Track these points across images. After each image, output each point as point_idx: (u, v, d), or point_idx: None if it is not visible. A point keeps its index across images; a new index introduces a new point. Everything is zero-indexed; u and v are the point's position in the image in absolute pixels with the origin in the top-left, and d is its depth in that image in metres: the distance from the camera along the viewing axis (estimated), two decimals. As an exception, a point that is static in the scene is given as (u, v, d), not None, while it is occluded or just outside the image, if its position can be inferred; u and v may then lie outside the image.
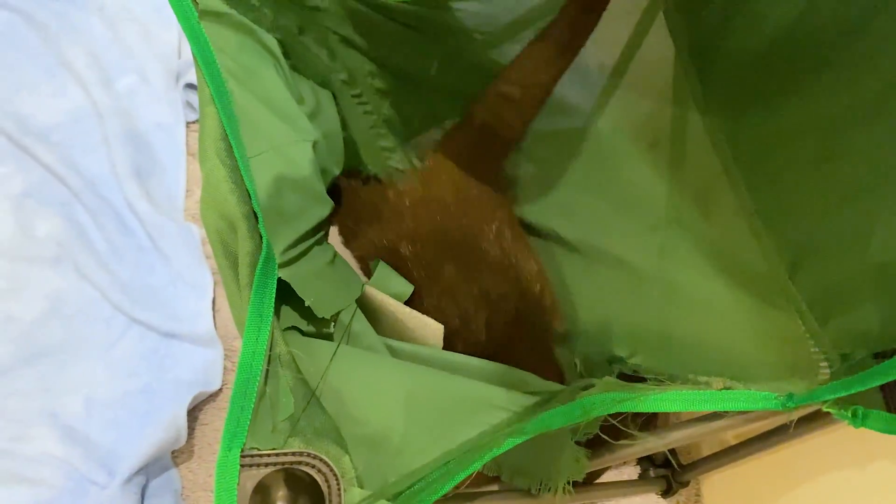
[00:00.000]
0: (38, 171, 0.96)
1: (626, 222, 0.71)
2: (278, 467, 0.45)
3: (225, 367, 0.90)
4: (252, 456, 0.45)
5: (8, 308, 0.88)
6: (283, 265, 0.52)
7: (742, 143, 0.67)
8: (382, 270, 0.67)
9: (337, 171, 0.66)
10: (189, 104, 1.04)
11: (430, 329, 0.63)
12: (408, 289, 0.66)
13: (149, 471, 0.83)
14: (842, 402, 0.53)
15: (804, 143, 0.60)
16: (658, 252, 0.68)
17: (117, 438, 0.84)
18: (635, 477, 0.94)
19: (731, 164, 0.66)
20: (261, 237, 0.51)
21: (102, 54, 1.02)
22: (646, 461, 0.94)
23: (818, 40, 0.58)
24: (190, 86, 1.03)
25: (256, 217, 0.51)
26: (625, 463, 0.95)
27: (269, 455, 0.45)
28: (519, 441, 0.49)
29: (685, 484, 0.92)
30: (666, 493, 0.92)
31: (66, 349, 0.87)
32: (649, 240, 0.68)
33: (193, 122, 1.04)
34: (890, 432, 0.52)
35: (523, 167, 0.76)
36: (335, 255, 0.61)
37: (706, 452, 0.91)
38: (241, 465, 0.45)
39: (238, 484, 0.44)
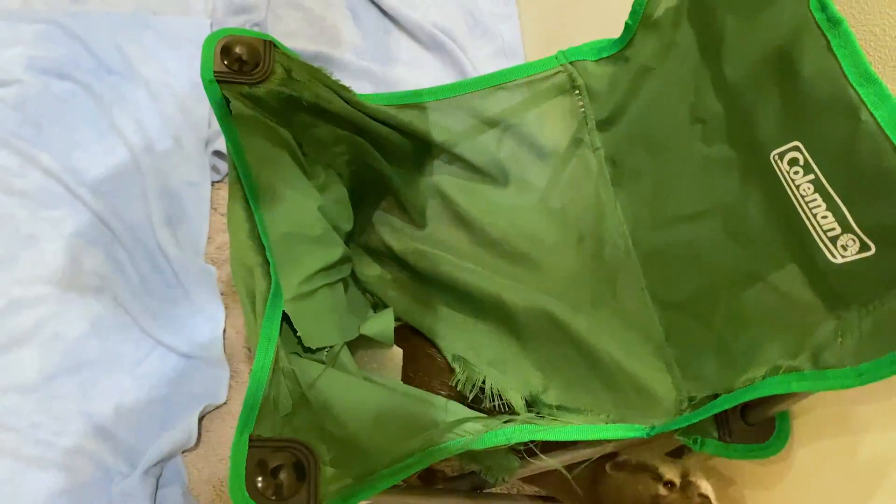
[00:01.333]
0: (88, 216, 1.17)
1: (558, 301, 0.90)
2: (275, 448, 0.65)
3: (230, 385, 1.10)
4: (257, 440, 0.65)
5: (56, 327, 1.08)
6: (291, 300, 0.72)
7: (639, 229, 0.87)
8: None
9: (348, 227, 0.87)
10: (215, 167, 1.25)
11: (394, 352, 0.84)
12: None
13: (163, 465, 1.02)
14: (687, 432, 0.74)
15: (677, 229, 0.81)
16: (579, 325, 0.87)
17: (139, 438, 1.03)
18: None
19: (631, 249, 0.87)
20: (271, 279, 0.72)
21: (146, 121, 1.24)
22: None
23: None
24: (216, 152, 1.25)
25: (269, 264, 0.72)
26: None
27: (269, 440, 0.65)
28: (457, 452, 0.69)
29: None
30: None
31: (101, 363, 1.06)
32: (573, 318, 0.87)
33: (217, 182, 1.25)
34: (721, 455, 0.72)
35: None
36: (344, 302, 0.82)
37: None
38: (250, 447, 0.64)
39: (246, 459, 0.64)
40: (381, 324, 0.82)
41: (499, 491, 0.99)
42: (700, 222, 0.78)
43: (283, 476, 0.64)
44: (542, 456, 0.79)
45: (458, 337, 0.91)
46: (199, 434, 1.06)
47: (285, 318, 0.73)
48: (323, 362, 0.75)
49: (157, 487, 1.01)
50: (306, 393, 0.69)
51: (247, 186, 0.78)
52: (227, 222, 0.80)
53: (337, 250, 0.83)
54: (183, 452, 1.05)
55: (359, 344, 0.81)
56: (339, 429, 0.68)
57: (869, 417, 0.67)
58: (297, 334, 0.72)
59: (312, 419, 0.68)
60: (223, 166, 1.26)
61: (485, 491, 0.89)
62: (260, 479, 0.63)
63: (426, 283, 0.92)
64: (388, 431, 0.70)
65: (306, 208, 0.82)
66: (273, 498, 0.63)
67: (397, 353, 0.83)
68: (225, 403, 1.09)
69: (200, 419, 1.07)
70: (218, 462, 1.05)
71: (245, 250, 0.75)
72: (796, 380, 0.61)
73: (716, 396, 0.72)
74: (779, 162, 0.65)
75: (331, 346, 0.75)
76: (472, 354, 0.89)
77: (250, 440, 0.64)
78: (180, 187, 1.22)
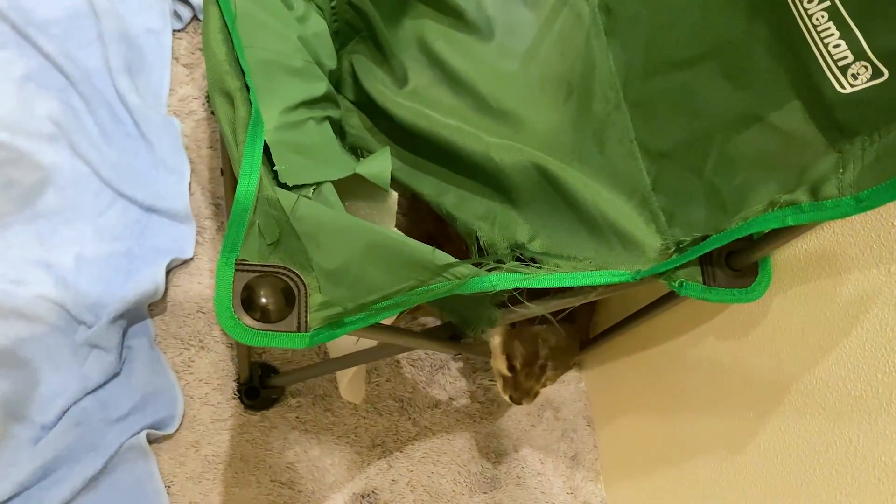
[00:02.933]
0: (38, 59, 1.08)
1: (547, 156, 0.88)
2: (261, 273, 0.63)
3: (197, 242, 1.06)
4: (243, 263, 0.62)
5: (8, 174, 1.02)
6: (274, 129, 0.69)
7: (631, 79, 0.85)
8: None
9: (331, 65, 0.82)
10: (176, 14, 1.17)
11: (388, 196, 0.81)
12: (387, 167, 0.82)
13: (129, 318, 0.99)
14: (672, 277, 0.74)
15: (671, 75, 0.80)
16: (568, 177, 0.85)
17: (103, 291, 0.99)
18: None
19: (622, 101, 0.85)
20: (251, 105, 0.68)
21: (99, -40, 1.14)
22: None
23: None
24: (177, -2, 1.17)
25: (249, 90, 0.68)
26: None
27: (255, 265, 0.63)
28: (444, 295, 0.68)
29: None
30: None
31: (59, 213, 1.01)
32: (563, 171, 0.85)
33: (179, 31, 1.17)
34: (702, 298, 0.73)
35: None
36: (334, 140, 0.78)
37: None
38: (235, 270, 0.62)
39: (232, 282, 0.61)
40: (379, 164, 0.79)
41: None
42: (696, 66, 0.76)
43: (270, 301, 0.62)
44: (526, 303, 0.79)
45: (445, 192, 0.88)
46: (165, 290, 1.03)
47: (267, 151, 0.69)
48: (309, 198, 0.72)
49: (123, 339, 0.98)
50: (292, 222, 0.67)
51: (224, 8, 0.72)
52: (203, 46, 0.74)
53: (320, 85, 0.78)
54: (148, 308, 1.02)
55: (349, 188, 0.78)
56: (327, 260, 0.66)
57: (851, 259, 0.68)
58: (274, 168, 0.69)
59: (299, 248, 0.66)
60: (184, 13, 1.17)
61: (463, 341, 0.90)
62: (247, 302, 0.61)
63: (412, 138, 0.89)
64: (378, 267, 0.68)
65: (286, 37, 0.77)
66: (261, 320, 0.61)
67: (392, 196, 0.81)
68: (192, 259, 1.05)
69: (167, 273, 1.03)
70: (185, 317, 1.03)
71: (223, 74, 0.70)
72: (793, 213, 0.62)
73: (704, 239, 0.72)
74: (792, -8, 0.63)
75: (317, 184, 0.72)
76: (462, 210, 0.87)
77: (236, 263, 0.62)
78: (139, 34, 1.14)
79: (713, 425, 0.89)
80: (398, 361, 1.09)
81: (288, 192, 0.69)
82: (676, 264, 0.72)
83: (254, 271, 0.63)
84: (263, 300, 0.62)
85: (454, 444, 1.06)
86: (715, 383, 0.88)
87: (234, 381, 1.02)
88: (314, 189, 0.73)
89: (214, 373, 1.01)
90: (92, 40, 1.11)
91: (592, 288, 0.78)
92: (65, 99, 1.08)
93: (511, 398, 0.95)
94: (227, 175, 0.94)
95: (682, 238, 0.75)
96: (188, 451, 0.97)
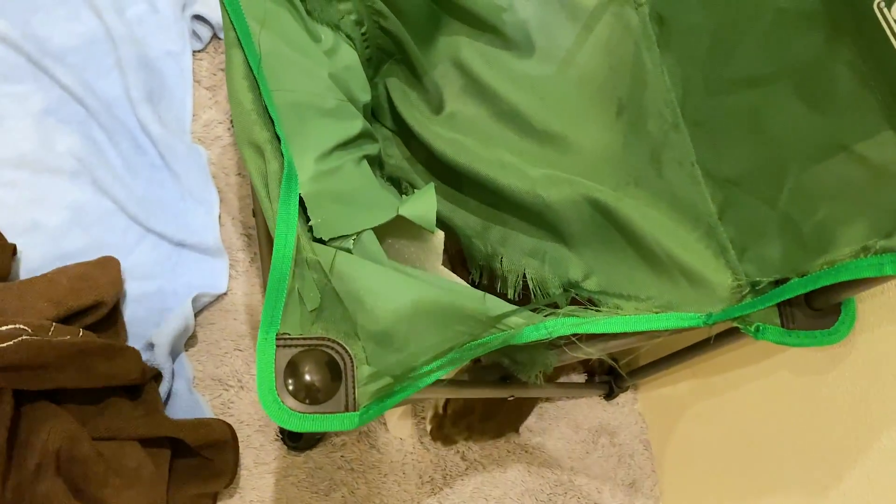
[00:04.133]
0: (57, 91, 1.04)
1: (599, 185, 0.81)
2: (305, 348, 0.58)
3: (230, 276, 1.02)
4: (285, 338, 0.57)
5: (33, 216, 0.98)
6: (310, 180, 0.63)
7: (690, 96, 0.78)
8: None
9: (366, 98, 0.77)
10: (195, 34, 1.12)
11: (434, 237, 0.76)
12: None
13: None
14: (748, 320, 0.68)
15: (738, 95, 0.73)
16: (624, 208, 0.79)
17: (138, 332, 0.96)
18: (583, 381, 1.09)
19: (679, 119, 0.78)
20: (283, 157, 0.62)
21: (113, -19, 1.09)
22: (591, 369, 1.09)
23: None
24: (196, 17, 1.11)
25: (280, 140, 0.63)
26: (574, 370, 1.11)
27: (298, 339, 0.58)
28: (498, 347, 0.63)
29: (625, 388, 1.08)
30: (608, 396, 1.08)
31: (87, 254, 0.97)
32: (617, 201, 0.78)
33: (199, 52, 1.12)
34: (781, 343, 0.67)
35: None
36: (375, 181, 0.72)
37: (643, 363, 1.07)
38: (277, 346, 0.57)
39: (274, 360, 0.57)
40: (423, 204, 0.73)
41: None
42: (767, 86, 0.69)
43: (316, 378, 0.57)
44: (583, 347, 0.73)
45: (489, 229, 0.83)
46: (201, 328, 0.99)
47: (302, 205, 0.64)
48: (349, 251, 0.67)
49: (173, 378, 0.95)
50: (334, 284, 0.61)
51: (247, 51, 0.66)
52: (228, 93, 0.69)
53: (356, 123, 0.72)
54: (185, 348, 0.98)
55: (391, 227, 0.73)
56: (372, 323, 0.61)
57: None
58: (310, 223, 0.64)
59: (343, 314, 0.61)
60: (203, 33, 1.12)
61: (514, 381, 0.85)
62: (291, 381, 0.56)
63: (452, 171, 0.83)
64: (428, 325, 0.63)
65: (315, 75, 0.72)
66: (307, 402, 0.56)
67: (438, 236, 0.75)
68: (226, 294, 1.01)
69: (200, 312, 0.99)
70: (222, 356, 0.98)
71: (251, 125, 0.65)
72: (892, 262, 0.55)
73: (783, 281, 0.66)
74: (885, 10, 0.55)
75: (358, 234, 0.67)
76: (509, 247, 0.81)
77: (277, 338, 0.57)
78: (158, 58, 1.09)
79: (788, 463, 0.83)
80: (444, 391, 1.05)
81: (326, 247, 0.64)
82: (754, 309, 0.66)
83: (297, 346, 0.58)
84: (308, 378, 0.57)
85: (506, 478, 1.02)
86: (789, 419, 0.82)
87: (276, 421, 0.97)
88: (354, 239, 0.68)
89: (255, 413, 0.97)
90: (110, 68, 1.06)
91: (657, 332, 0.72)
92: (86, 132, 1.03)
93: (430, 432, 1.00)
94: (260, 223, 0.89)
95: (757, 278, 0.69)
96: (233, 498, 0.93)
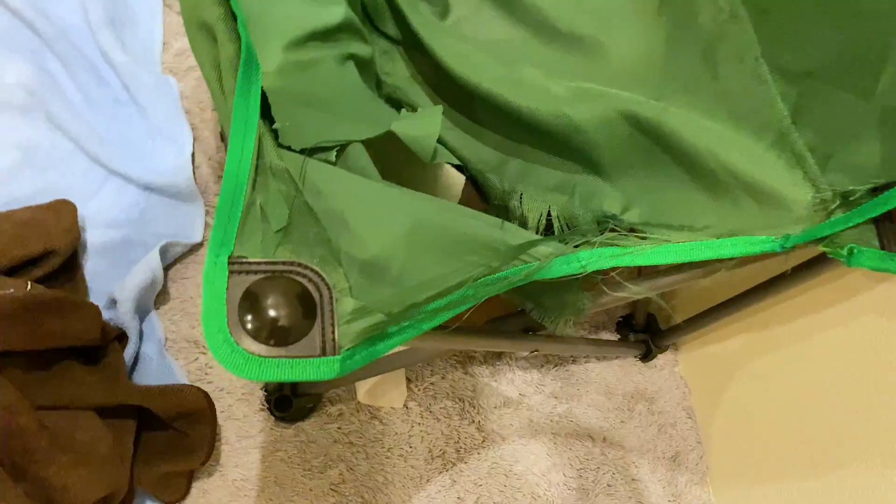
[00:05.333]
0: (6, 17, 0.91)
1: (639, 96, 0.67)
2: (267, 274, 0.44)
3: (206, 223, 0.89)
4: (240, 262, 0.44)
5: (-22, 156, 0.85)
6: (275, 72, 0.49)
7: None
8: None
9: None
10: (164, -50, 0.98)
11: (451, 178, 0.62)
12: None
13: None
14: (837, 242, 0.53)
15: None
16: (670, 120, 0.65)
17: (98, 288, 0.83)
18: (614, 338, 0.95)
19: (738, 7, 0.64)
20: (240, 39, 0.49)
21: None
22: (625, 327, 0.95)
23: None
24: (165, -70, 0.97)
25: (235, 19, 0.49)
26: (604, 328, 0.96)
27: (258, 263, 0.44)
28: (520, 284, 0.49)
29: (664, 348, 0.94)
30: (645, 358, 0.94)
31: (40, 200, 0.84)
32: (661, 113, 0.65)
33: (169, -29, 0.98)
34: (881, 269, 0.52)
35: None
36: (362, 87, 0.58)
37: (683, 317, 0.93)
38: (230, 272, 0.43)
39: (226, 289, 0.43)
40: (424, 124, 0.59)
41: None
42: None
43: (282, 313, 0.43)
44: (627, 284, 0.59)
45: (505, 163, 0.68)
46: (173, 283, 0.86)
47: (267, 104, 0.50)
48: (332, 163, 0.53)
49: (140, 338, 0.82)
50: (307, 199, 0.48)
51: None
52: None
53: (336, 10, 0.58)
54: (155, 305, 0.85)
55: (393, 164, 0.59)
56: (360, 248, 0.47)
57: None
58: (274, 126, 0.50)
59: (318, 234, 0.47)
60: (175, -51, 0.98)
61: (539, 333, 0.71)
62: (249, 317, 0.43)
63: (462, 91, 0.69)
64: (431, 254, 0.49)
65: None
66: (271, 343, 0.43)
67: (457, 179, 0.61)
68: (201, 244, 0.88)
69: (171, 265, 0.86)
70: (198, 315, 0.85)
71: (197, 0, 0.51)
72: None
73: (885, 188, 0.52)
74: None
75: (340, 147, 0.53)
76: (529, 181, 0.67)
77: (230, 263, 0.44)
78: (122, -22, 0.95)
79: (864, 427, 0.69)
80: (454, 352, 0.91)
81: (294, 154, 0.51)
82: (848, 225, 0.52)
83: (256, 271, 0.44)
84: (272, 313, 0.43)
85: (529, 451, 0.88)
86: (873, 374, 0.68)
87: (262, 388, 0.84)
88: (337, 153, 0.54)
89: (237, 380, 0.84)
90: (67, -11, 0.93)
91: (720, 261, 0.57)
92: (38, 62, 0.90)
93: None
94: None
95: (850, 187, 0.54)
96: (212, 476, 0.80)
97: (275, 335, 0.43)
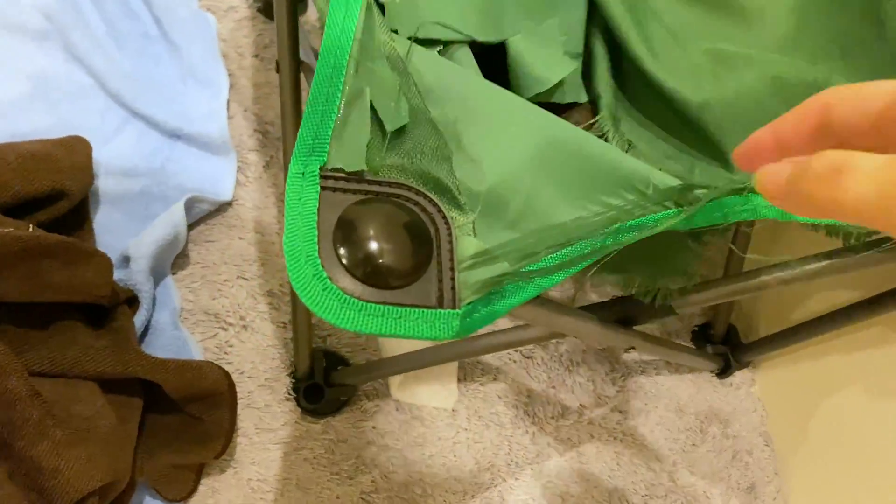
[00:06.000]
0: (26, -70, 0.80)
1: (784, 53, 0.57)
2: (370, 195, 0.33)
3: (238, 181, 0.77)
4: (335, 178, 0.33)
5: (-18, 83, 0.73)
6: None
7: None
8: None
9: None
10: None
11: None
12: None
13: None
14: None
15: None
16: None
17: (107, 243, 0.71)
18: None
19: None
20: None
21: None
22: (702, 338, 0.84)
23: None
24: None
25: None
26: (678, 335, 0.85)
27: (358, 179, 0.33)
28: (671, 227, 0.38)
29: (744, 364, 0.83)
30: (722, 373, 0.83)
31: (50, 136, 0.72)
32: (808, 72, 0.54)
33: None
34: None
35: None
36: None
37: (765, 332, 0.82)
38: (322, 188, 0.32)
39: (317, 211, 0.32)
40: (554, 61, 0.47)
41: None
42: None
43: (388, 247, 0.32)
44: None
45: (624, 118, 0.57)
46: (196, 246, 0.74)
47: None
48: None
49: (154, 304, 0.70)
50: (425, 99, 0.36)
51: None
52: None
53: None
54: (172, 269, 0.73)
55: None
56: (472, 174, 0.36)
57: None
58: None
59: (440, 145, 0.36)
60: None
61: (636, 328, 0.59)
62: (344, 249, 0.32)
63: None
64: (559, 187, 0.39)
65: None
66: (371, 284, 0.31)
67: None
68: (231, 204, 0.76)
69: (195, 225, 0.75)
70: (222, 284, 0.74)
71: None
72: None
73: None
74: None
75: (446, 44, 0.42)
76: (645, 143, 0.56)
77: (322, 175, 0.33)
78: None
79: None
80: (509, 351, 0.80)
81: (399, 38, 0.40)
82: None
83: (355, 191, 0.33)
84: (376, 246, 0.32)
85: (589, 469, 0.76)
86: None
87: (289, 374, 0.72)
88: (439, 50, 0.43)
89: (261, 363, 0.72)
90: None
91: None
92: (61, -17, 0.79)
93: None
94: (287, 68, 0.64)
95: None
96: (225, 473, 0.68)
97: (378, 275, 0.31)
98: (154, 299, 0.70)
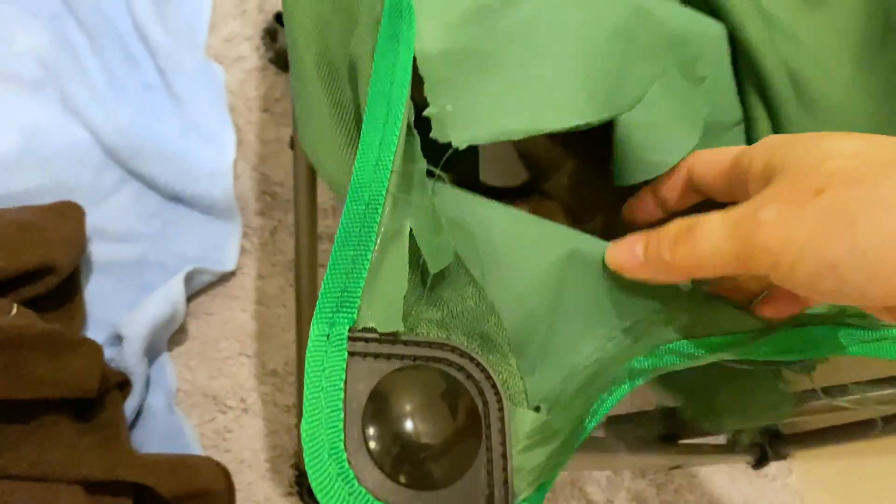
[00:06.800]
0: (25, -29, 0.75)
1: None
2: (405, 362, 0.28)
3: (242, 248, 0.71)
4: (367, 339, 0.27)
5: (-30, 135, 0.68)
6: (441, 30, 0.32)
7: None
8: None
9: None
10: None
11: None
12: None
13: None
14: None
15: None
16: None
17: (98, 316, 0.65)
18: (723, 442, 0.78)
19: None
20: None
21: None
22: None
23: None
24: None
25: None
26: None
27: (392, 341, 0.27)
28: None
29: (782, 457, 0.77)
30: (758, 465, 0.77)
31: (41, 197, 0.67)
32: None
33: (226, -59, 0.82)
34: None
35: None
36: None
37: (809, 426, 0.76)
38: (350, 353, 0.27)
39: (344, 384, 0.26)
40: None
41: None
42: None
43: (426, 429, 0.27)
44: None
45: None
46: (195, 320, 0.68)
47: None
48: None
49: (147, 385, 0.64)
50: (476, 241, 0.31)
51: None
52: None
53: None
54: (168, 345, 0.67)
55: None
56: (537, 320, 0.31)
57: None
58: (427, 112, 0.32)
59: (479, 295, 0.30)
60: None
61: (683, 442, 0.54)
62: (374, 436, 0.26)
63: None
64: (590, 304, 0.33)
65: None
66: (407, 482, 0.26)
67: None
68: (234, 274, 0.71)
69: (194, 297, 0.69)
70: (222, 362, 0.68)
71: None
72: None
73: None
74: None
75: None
76: None
77: (352, 339, 0.27)
78: (170, -58, 0.79)
79: None
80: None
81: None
82: None
83: (390, 356, 0.28)
84: (411, 435, 0.26)
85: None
86: None
87: (292, 466, 0.66)
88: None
89: (262, 451, 0.66)
90: (103, -52, 0.77)
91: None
92: (59, 30, 0.74)
93: None
94: (298, 155, 0.58)
95: None
96: (218, 574, 0.62)
97: (415, 469, 0.26)
98: (148, 379, 0.64)
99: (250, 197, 0.74)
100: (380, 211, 0.29)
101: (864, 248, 0.22)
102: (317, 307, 0.27)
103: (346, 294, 0.27)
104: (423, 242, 0.29)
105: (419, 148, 0.31)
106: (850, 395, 0.46)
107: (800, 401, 0.46)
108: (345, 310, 0.27)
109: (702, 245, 0.26)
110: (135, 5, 0.75)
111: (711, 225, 0.26)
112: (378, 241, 0.28)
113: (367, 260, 0.28)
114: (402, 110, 0.30)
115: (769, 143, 0.28)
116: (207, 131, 0.73)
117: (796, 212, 0.23)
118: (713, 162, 0.31)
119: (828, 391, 0.46)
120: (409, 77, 0.31)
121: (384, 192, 0.29)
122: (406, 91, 0.31)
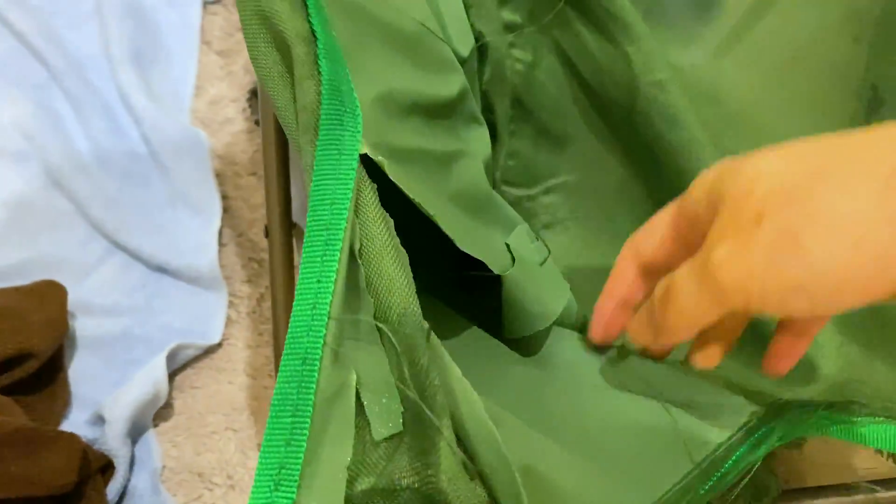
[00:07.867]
0: (8, 42, 0.75)
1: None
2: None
3: (229, 318, 0.71)
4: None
5: (-46, 211, 0.68)
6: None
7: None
8: None
9: (464, 50, 0.44)
10: (209, -21, 0.82)
11: None
12: None
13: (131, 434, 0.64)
14: None
15: None
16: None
17: (90, 391, 0.65)
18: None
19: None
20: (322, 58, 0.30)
21: None
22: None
23: None
24: (212, -47, 0.81)
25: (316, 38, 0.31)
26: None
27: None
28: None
29: (781, 516, 0.75)
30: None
31: (25, 273, 0.67)
32: None
33: (211, 3, 0.82)
34: None
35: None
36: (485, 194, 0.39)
37: (813, 482, 0.74)
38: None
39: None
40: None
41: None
42: None
43: None
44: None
45: None
46: (180, 395, 0.67)
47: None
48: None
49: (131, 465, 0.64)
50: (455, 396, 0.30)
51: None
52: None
53: (453, 79, 0.41)
54: (154, 422, 0.66)
55: None
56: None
57: None
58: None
59: (442, 454, 0.29)
60: (219, -22, 0.82)
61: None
62: None
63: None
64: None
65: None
66: None
67: None
68: (220, 346, 0.70)
69: (179, 371, 0.68)
70: (208, 437, 0.67)
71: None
72: None
73: None
74: None
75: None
76: None
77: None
78: (155, 7, 0.79)
79: None
80: None
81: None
82: None
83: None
84: None
85: None
86: None
87: (280, 543, 0.65)
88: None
89: (249, 528, 0.65)
90: (87, 15, 0.77)
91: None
92: (42, 100, 0.73)
93: None
94: (278, 233, 0.57)
95: None
96: None
97: None
98: (132, 461, 0.64)
99: (236, 264, 0.73)
100: (317, 366, 0.27)
101: (819, 265, 0.22)
102: (252, 488, 0.26)
103: (283, 472, 0.26)
104: (368, 401, 0.28)
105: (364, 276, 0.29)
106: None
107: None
108: (283, 488, 0.26)
109: (682, 302, 0.27)
110: (119, 71, 0.74)
111: (682, 279, 0.27)
112: (314, 402, 0.27)
113: (306, 428, 0.27)
114: (349, 199, 0.28)
115: (702, 181, 0.27)
116: (193, 201, 0.72)
117: (745, 245, 0.24)
118: (650, 232, 0.31)
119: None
120: (354, 169, 0.29)
121: (321, 344, 0.28)
122: (351, 180, 0.29)
